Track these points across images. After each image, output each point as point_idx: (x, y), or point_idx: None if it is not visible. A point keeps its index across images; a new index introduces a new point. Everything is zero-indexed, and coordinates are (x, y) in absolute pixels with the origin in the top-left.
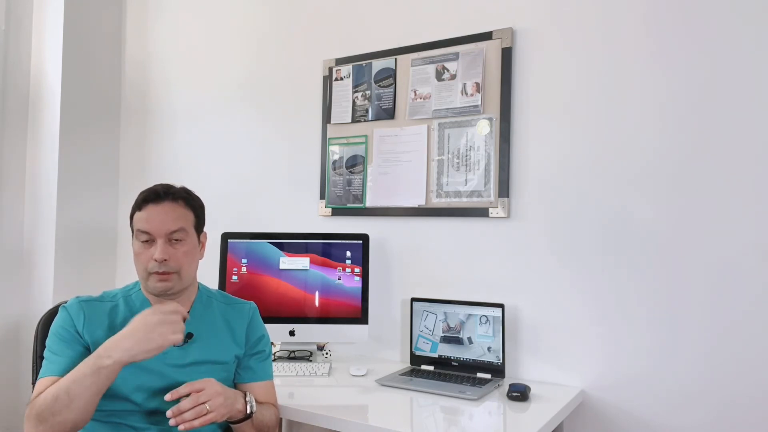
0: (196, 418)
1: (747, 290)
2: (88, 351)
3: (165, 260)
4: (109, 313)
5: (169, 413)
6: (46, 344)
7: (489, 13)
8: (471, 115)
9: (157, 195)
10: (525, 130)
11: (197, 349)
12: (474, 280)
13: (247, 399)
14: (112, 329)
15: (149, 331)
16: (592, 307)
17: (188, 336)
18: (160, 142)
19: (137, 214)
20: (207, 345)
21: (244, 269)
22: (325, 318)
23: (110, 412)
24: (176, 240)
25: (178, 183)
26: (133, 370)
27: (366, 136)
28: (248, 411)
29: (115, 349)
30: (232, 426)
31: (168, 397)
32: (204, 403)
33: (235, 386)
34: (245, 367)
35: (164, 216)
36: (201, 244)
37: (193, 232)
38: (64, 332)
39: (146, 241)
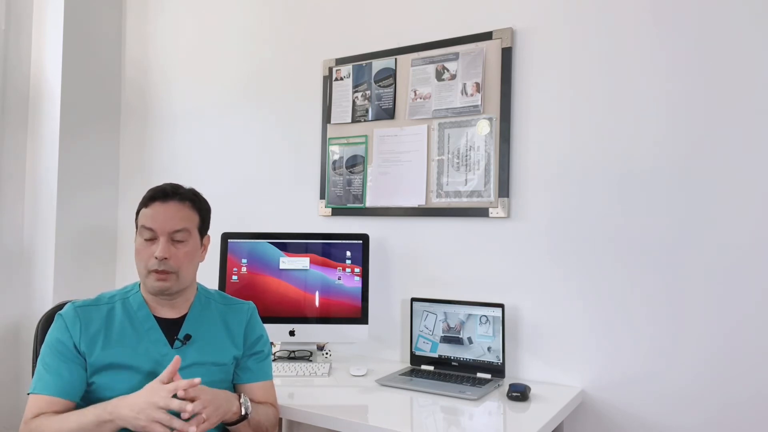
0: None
1: (747, 291)
2: (83, 369)
3: (166, 258)
4: (106, 318)
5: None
6: (41, 353)
7: (489, 13)
8: (471, 115)
9: (165, 194)
10: (525, 130)
11: (195, 351)
12: (474, 280)
13: (242, 401)
14: (109, 335)
15: (142, 410)
16: (592, 307)
17: (186, 337)
18: (160, 142)
19: (143, 211)
20: (205, 346)
21: (244, 269)
22: (325, 318)
23: None
24: (178, 240)
25: (176, 183)
26: (129, 373)
27: (366, 136)
28: (243, 413)
29: (117, 411)
30: (228, 428)
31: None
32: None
33: (234, 387)
34: (243, 367)
35: (170, 215)
36: (203, 246)
37: (196, 234)
38: (59, 346)
39: (149, 238)
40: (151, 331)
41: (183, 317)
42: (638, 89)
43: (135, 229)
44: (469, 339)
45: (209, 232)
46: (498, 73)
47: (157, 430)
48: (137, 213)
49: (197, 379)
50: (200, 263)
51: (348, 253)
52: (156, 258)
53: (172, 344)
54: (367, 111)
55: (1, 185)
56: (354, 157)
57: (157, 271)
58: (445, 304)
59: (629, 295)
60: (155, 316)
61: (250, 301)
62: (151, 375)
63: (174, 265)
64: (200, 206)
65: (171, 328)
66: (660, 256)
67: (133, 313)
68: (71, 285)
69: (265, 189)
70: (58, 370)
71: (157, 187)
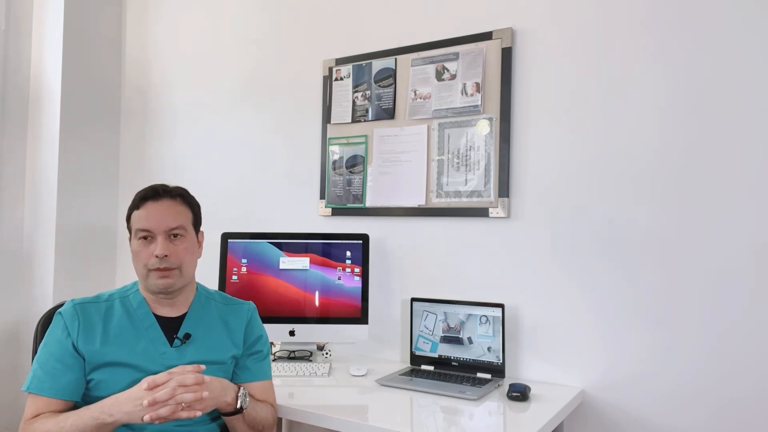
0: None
1: (746, 291)
2: (81, 369)
3: (166, 256)
4: (104, 316)
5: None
6: (39, 351)
7: (489, 13)
8: (471, 115)
9: (156, 193)
10: (525, 130)
11: (194, 350)
12: (474, 280)
13: (240, 394)
14: (107, 333)
15: (142, 397)
16: (592, 306)
17: (186, 336)
18: (160, 142)
19: (135, 213)
20: (204, 345)
21: (244, 269)
22: (325, 318)
23: None
24: (176, 236)
25: (177, 183)
26: (128, 371)
27: (366, 136)
28: (238, 405)
29: (117, 411)
30: (224, 419)
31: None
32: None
33: None
34: (242, 367)
35: (164, 213)
36: (199, 242)
37: (192, 230)
38: (58, 347)
39: (145, 238)
40: (150, 329)
41: (183, 316)
42: (638, 89)
43: (129, 234)
44: (469, 339)
45: (206, 229)
46: (498, 73)
47: (161, 412)
48: (128, 218)
49: (202, 366)
50: (200, 261)
51: (348, 253)
52: (156, 256)
53: (171, 343)
54: (367, 111)
55: (1, 185)
56: (354, 157)
57: (158, 269)
58: (445, 304)
59: (629, 295)
60: (155, 315)
61: (251, 302)
62: (150, 373)
63: (175, 261)
64: (191, 201)
65: (170, 326)
66: (659, 256)
67: (133, 312)
68: (71, 285)
69: (265, 189)
70: (54, 372)
71: (146, 188)
